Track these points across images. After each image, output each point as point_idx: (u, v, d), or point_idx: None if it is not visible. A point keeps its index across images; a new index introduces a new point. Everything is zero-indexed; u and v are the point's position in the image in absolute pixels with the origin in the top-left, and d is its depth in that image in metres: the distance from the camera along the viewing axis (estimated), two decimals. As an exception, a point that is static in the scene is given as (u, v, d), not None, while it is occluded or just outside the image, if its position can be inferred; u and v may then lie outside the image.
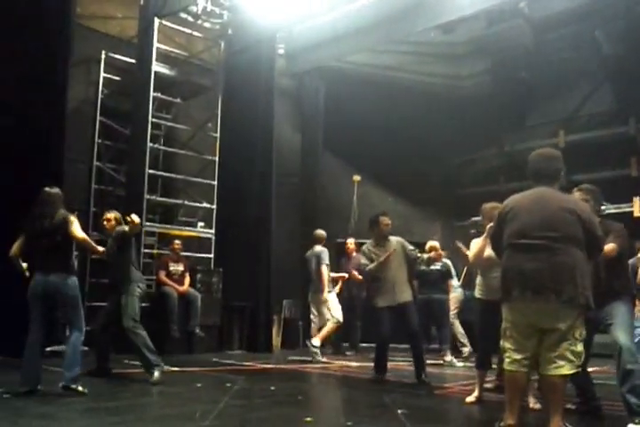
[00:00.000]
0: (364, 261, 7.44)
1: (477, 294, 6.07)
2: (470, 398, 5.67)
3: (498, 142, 14.13)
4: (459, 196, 14.36)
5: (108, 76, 11.53)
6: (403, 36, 12.27)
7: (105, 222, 7.11)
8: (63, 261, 5.73)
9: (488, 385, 5.97)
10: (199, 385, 6.43)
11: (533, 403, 5.40)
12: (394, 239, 7.50)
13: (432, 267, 9.77)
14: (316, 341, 9.49)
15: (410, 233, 7.76)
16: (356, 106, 13.11)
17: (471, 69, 13.95)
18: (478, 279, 6.09)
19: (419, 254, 7.78)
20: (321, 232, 10.20)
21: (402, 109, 13.39)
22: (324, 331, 9.65)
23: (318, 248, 9.95)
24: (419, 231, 12.94)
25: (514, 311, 4.11)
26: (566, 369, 3.97)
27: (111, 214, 7.14)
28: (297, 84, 14.10)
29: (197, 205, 11.70)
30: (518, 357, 4.10)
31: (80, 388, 5.39)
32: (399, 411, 4.90)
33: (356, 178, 13.58)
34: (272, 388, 6.36)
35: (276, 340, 11.61)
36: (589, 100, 12.93)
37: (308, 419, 4.48)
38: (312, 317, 10.10)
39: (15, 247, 5.85)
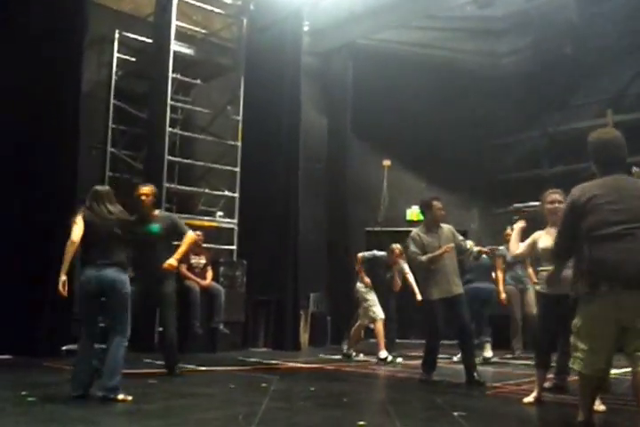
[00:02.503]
0: (413, 248, 7.32)
1: (540, 287, 6.00)
2: (529, 399, 5.64)
3: (540, 123, 13.95)
4: (498, 181, 14.25)
5: (122, 56, 11.56)
6: (436, 11, 12.28)
7: (143, 197, 6.90)
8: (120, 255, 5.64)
9: (546, 384, 5.93)
10: (232, 386, 6.44)
11: (598, 404, 5.35)
12: (446, 227, 7.44)
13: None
14: (384, 353, 9.37)
15: (445, 221, 7.76)
16: (387, 86, 13.11)
17: (510, 46, 13.90)
18: (540, 272, 5.99)
19: (468, 246, 7.70)
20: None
21: (435, 90, 13.37)
22: (381, 335, 9.51)
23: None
24: (455, 219, 12.80)
25: (600, 307, 4.06)
26: None
27: (147, 188, 7.00)
28: (323, 64, 14.07)
29: (219, 193, 11.71)
30: (593, 359, 4.08)
31: (121, 396, 5.24)
32: (455, 413, 4.89)
33: (387, 163, 13.55)
34: (312, 389, 6.35)
35: (304, 337, 11.64)
36: (638, 79, 12.76)
37: (362, 423, 4.47)
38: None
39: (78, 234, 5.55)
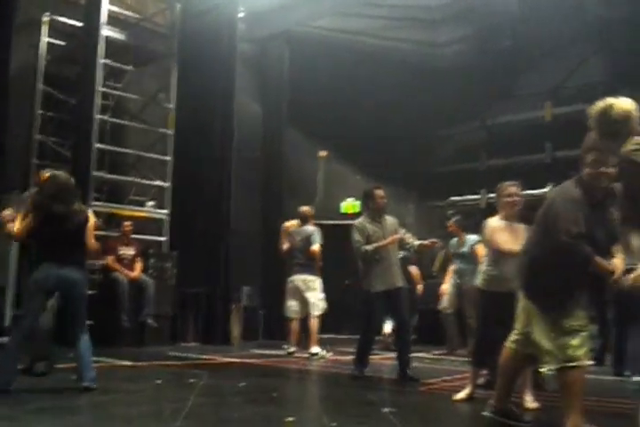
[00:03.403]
0: (357, 237, 7.33)
1: (480, 284, 5.96)
2: (460, 395, 5.73)
3: (479, 115, 14.17)
4: (435, 174, 14.40)
5: (52, 40, 11.36)
6: (375, -1, 12.26)
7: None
8: (80, 254, 5.74)
9: (480, 381, 6.02)
10: (159, 382, 6.41)
11: (531, 401, 5.45)
12: (390, 218, 7.53)
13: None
14: (316, 349, 9.31)
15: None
16: (324, 75, 13.09)
17: (450, 36, 13.98)
18: (484, 268, 5.97)
19: (409, 240, 7.76)
20: (310, 209, 9.96)
21: (374, 80, 13.38)
22: (314, 330, 9.43)
23: (310, 227, 9.71)
24: (390, 212, 12.89)
25: None
26: None
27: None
28: (259, 51, 13.99)
29: (150, 182, 11.61)
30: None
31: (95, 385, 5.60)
32: (386, 409, 4.96)
33: (323, 154, 13.60)
34: (241, 384, 6.36)
35: (235, 331, 11.60)
36: (578, 72, 13.02)
37: (290, 419, 4.51)
38: (292, 306, 9.75)
39: (23, 226, 5.66)
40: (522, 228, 5.64)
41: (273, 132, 13.69)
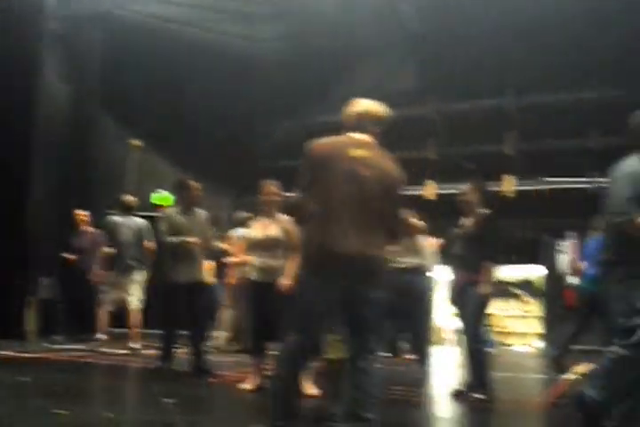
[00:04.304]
0: (163, 228, 7.35)
1: (251, 275, 6.28)
2: (246, 386, 5.82)
3: (298, 114, 14.30)
4: (255, 170, 14.40)
5: None
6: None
7: None
8: None
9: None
10: None
11: (310, 388, 5.61)
12: (201, 212, 7.59)
13: None
14: (136, 344, 9.15)
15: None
16: (143, 62, 12.75)
17: (269, 32, 14.02)
18: (254, 260, 6.27)
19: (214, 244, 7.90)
20: (134, 199, 9.84)
21: (193, 71, 13.22)
22: (136, 324, 9.31)
23: (139, 219, 9.62)
24: (207, 206, 12.71)
25: None
26: None
27: None
28: (72, 31, 13.31)
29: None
30: None
31: None
32: (168, 400, 4.93)
33: (136, 143, 13.24)
34: (24, 379, 6.13)
35: (31, 325, 11.12)
36: (393, 77, 13.41)
37: (60, 411, 4.36)
38: (111, 297, 9.65)
39: None
40: (285, 220, 6.14)
41: (83, 117, 13.14)
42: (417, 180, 13.27)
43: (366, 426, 3.75)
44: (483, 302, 6.28)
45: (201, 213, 7.57)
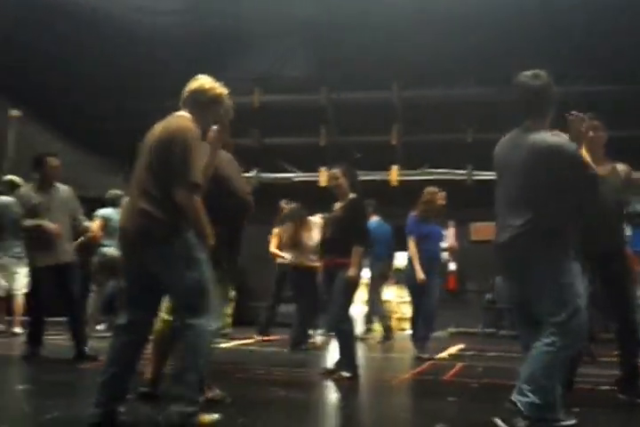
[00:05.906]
0: (17, 209, 7.42)
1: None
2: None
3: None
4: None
5: None
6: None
7: None
8: None
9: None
10: None
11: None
12: (64, 188, 7.41)
13: None
14: (19, 329, 9.13)
15: (84, 187, 7.55)
16: (24, 31, 12.35)
17: (167, 6, 13.70)
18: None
19: (82, 221, 7.72)
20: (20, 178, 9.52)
21: (90, 43, 12.83)
22: (19, 310, 9.27)
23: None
24: (95, 184, 12.50)
25: None
26: None
27: None
28: None
29: None
30: None
31: None
32: (21, 387, 5.00)
33: (15, 113, 12.92)
34: None
35: None
36: (286, 62, 13.41)
37: None
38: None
39: None
40: None
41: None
42: (311, 167, 13.65)
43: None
44: (351, 285, 6.63)
45: (65, 189, 7.41)
